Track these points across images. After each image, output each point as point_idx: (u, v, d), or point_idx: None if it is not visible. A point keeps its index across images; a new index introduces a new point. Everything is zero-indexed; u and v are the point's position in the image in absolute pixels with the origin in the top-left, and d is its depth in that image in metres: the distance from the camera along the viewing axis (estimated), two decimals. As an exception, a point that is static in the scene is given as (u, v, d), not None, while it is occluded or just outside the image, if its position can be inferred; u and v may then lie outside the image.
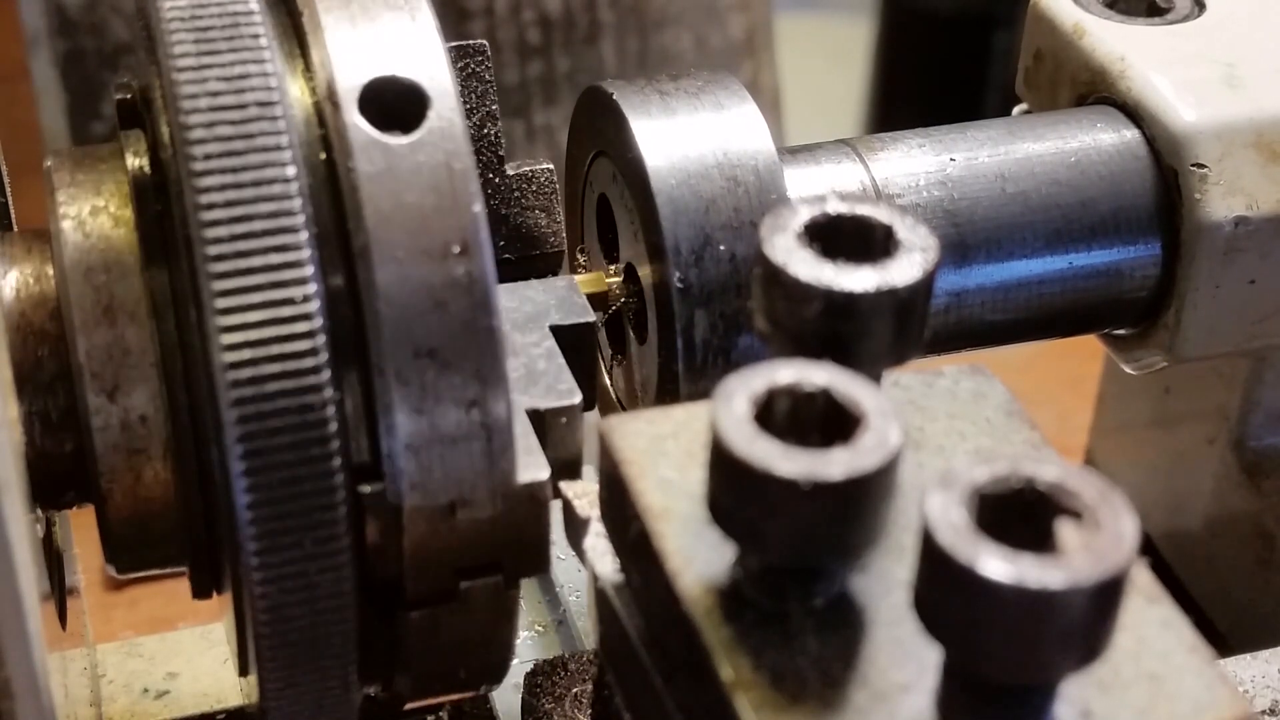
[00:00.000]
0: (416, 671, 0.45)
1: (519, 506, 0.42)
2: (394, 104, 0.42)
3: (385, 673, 0.46)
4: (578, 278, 0.55)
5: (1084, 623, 0.33)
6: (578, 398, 0.46)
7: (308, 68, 0.43)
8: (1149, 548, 0.69)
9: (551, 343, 0.48)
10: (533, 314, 0.49)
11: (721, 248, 0.51)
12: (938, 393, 0.44)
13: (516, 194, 0.51)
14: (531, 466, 0.43)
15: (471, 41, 0.50)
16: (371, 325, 0.41)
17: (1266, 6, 0.61)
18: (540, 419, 0.45)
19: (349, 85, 0.42)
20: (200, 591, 0.46)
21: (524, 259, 0.52)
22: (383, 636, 0.44)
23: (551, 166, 0.52)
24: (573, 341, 0.48)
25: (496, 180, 0.51)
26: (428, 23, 0.44)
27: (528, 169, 0.51)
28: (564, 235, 0.52)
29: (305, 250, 0.40)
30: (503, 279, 0.45)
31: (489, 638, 0.45)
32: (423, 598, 0.43)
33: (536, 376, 0.46)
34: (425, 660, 0.45)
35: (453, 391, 0.41)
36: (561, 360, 0.47)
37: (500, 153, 0.51)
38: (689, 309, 0.51)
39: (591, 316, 0.50)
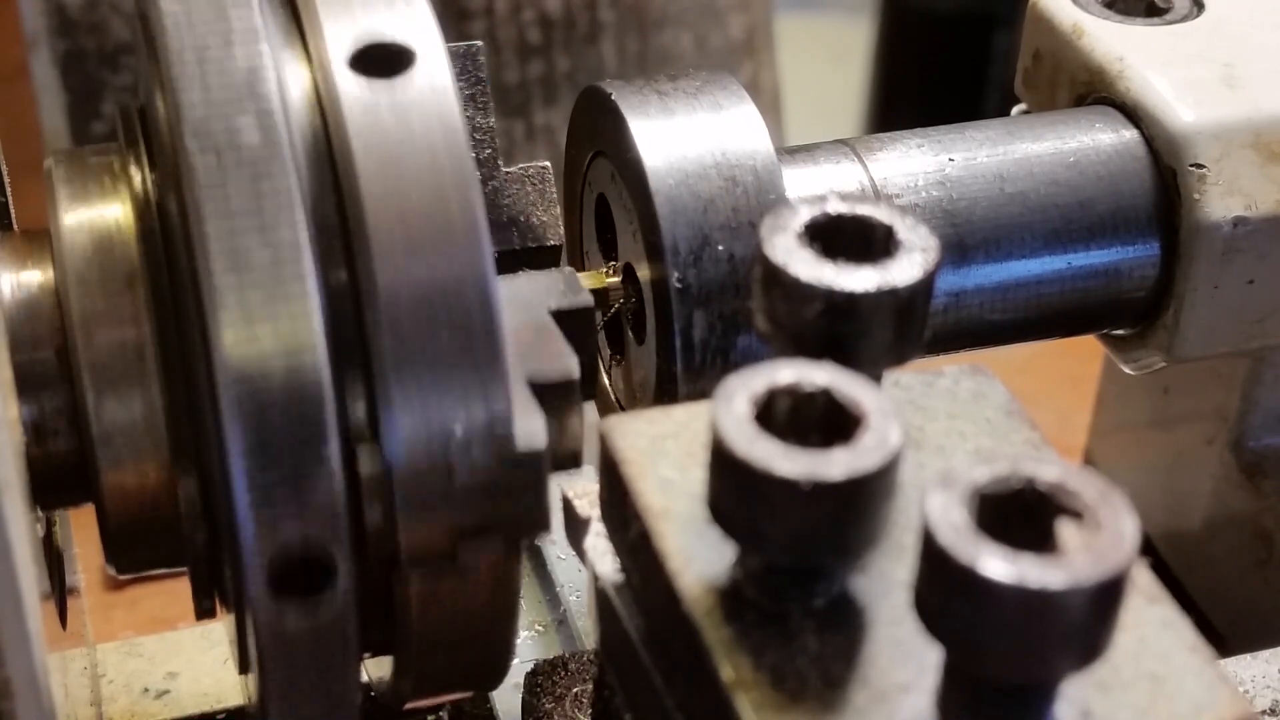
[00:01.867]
0: (418, 657, 0.45)
1: (516, 473, 0.42)
2: (382, 59, 0.42)
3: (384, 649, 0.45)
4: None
5: (1084, 623, 0.33)
6: (575, 371, 0.45)
7: (305, 49, 0.44)
8: (1147, 548, 0.69)
9: (549, 321, 0.47)
10: (529, 300, 0.49)
11: (720, 248, 0.51)
12: (938, 393, 0.44)
13: (514, 189, 0.51)
14: (530, 434, 0.42)
15: (464, 43, 0.50)
16: (372, 322, 0.41)
17: (1265, 6, 0.61)
18: (540, 392, 0.44)
19: (339, 47, 0.42)
20: (203, 612, 0.46)
21: (525, 251, 0.52)
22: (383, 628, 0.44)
23: (547, 164, 0.52)
24: (572, 327, 0.48)
25: (491, 179, 0.51)
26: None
27: (521, 167, 0.52)
28: (562, 229, 0.52)
29: (305, 249, 0.40)
30: (503, 271, 0.45)
31: (492, 605, 0.44)
32: (419, 559, 0.42)
33: (533, 350, 0.45)
34: (427, 635, 0.44)
35: (452, 385, 0.41)
36: (559, 335, 0.47)
37: (495, 155, 0.51)
38: (687, 309, 0.51)
39: (590, 300, 0.50)
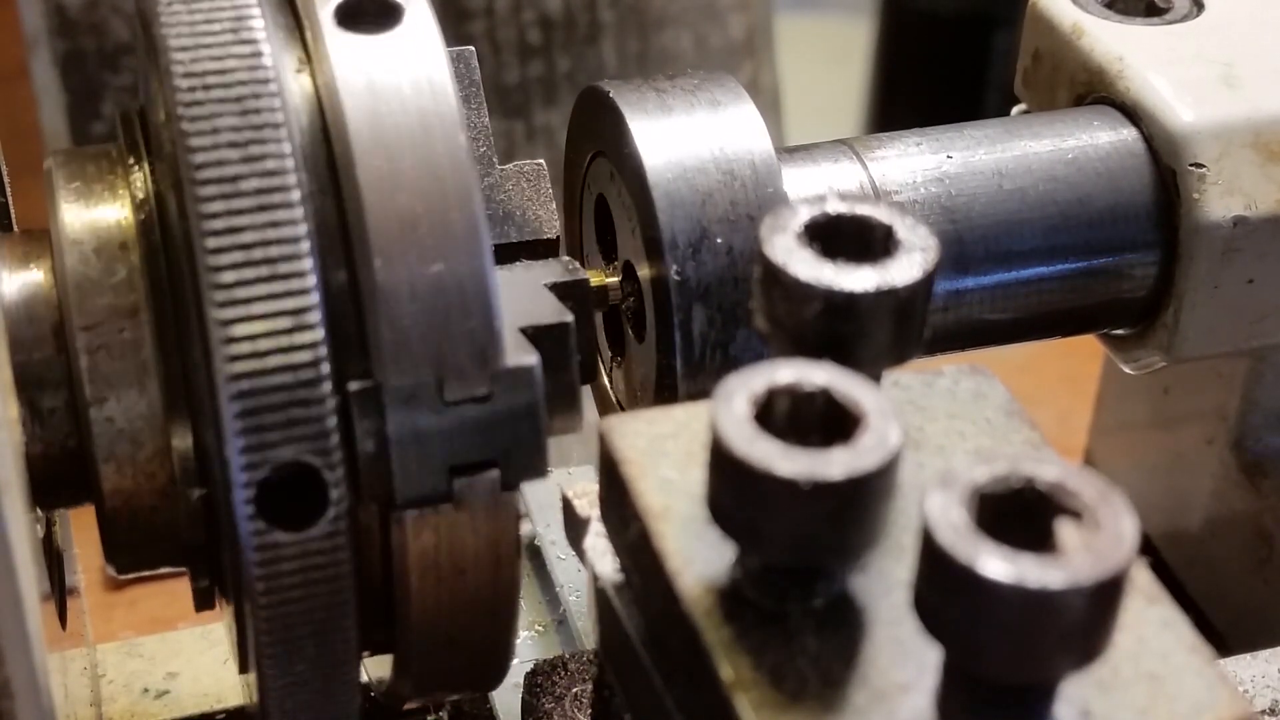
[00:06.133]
0: (418, 652, 0.44)
1: (510, 392, 0.42)
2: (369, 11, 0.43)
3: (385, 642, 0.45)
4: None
5: (1084, 623, 0.33)
6: (569, 316, 0.45)
7: (305, 50, 0.44)
8: (1147, 548, 0.69)
9: (545, 290, 0.48)
10: (526, 280, 0.49)
11: (718, 240, 0.51)
12: (938, 393, 0.44)
13: (510, 185, 0.51)
14: (521, 355, 0.42)
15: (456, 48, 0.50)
16: (371, 321, 0.41)
17: (1264, 6, 0.61)
18: (534, 338, 0.44)
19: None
20: (203, 603, 0.46)
21: (522, 244, 0.52)
22: (383, 629, 0.44)
23: (541, 161, 0.52)
24: (570, 297, 0.48)
25: (487, 176, 0.51)
26: None
27: (515, 165, 0.52)
28: (558, 223, 0.52)
29: (305, 249, 0.40)
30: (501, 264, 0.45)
31: (492, 556, 0.44)
32: (415, 499, 0.42)
33: (527, 310, 0.45)
34: (427, 623, 0.44)
35: (450, 376, 0.41)
36: (553, 297, 0.47)
37: (490, 152, 0.51)
38: (687, 302, 0.51)
39: (587, 276, 0.50)
